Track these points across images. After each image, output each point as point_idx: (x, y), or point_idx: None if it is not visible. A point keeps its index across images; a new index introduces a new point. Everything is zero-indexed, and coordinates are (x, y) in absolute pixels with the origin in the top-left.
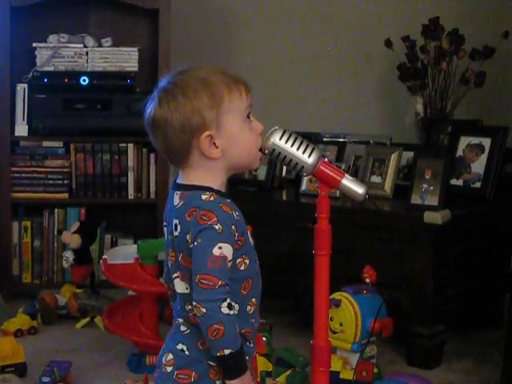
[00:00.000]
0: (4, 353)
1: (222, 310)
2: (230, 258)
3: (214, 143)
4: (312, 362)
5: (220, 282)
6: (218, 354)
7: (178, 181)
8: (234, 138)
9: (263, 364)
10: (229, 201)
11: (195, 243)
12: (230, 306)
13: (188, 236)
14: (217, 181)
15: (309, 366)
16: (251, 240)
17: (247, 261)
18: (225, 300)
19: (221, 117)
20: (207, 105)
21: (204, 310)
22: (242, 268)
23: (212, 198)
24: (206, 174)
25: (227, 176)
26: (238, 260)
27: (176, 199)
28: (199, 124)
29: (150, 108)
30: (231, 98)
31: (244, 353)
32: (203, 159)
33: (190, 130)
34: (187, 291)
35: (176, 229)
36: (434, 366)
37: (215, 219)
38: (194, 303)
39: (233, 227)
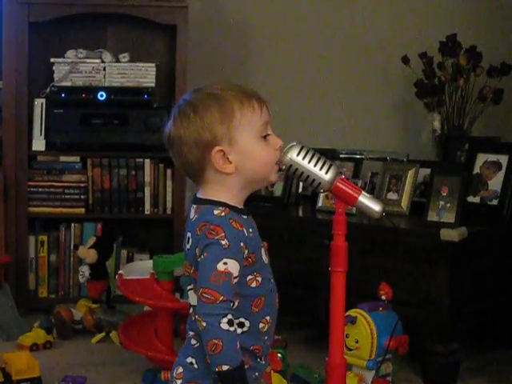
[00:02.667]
0: (19, 367)
1: (222, 325)
2: (235, 274)
3: (228, 158)
4: (327, 379)
5: (221, 298)
6: (217, 370)
7: (198, 195)
8: (248, 153)
9: (278, 381)
10: (245, 217)
11: (202, 257)
12: (230, 322)
13: (197, 250)
14: (233, 196)
15: (324, 382)
16: (266, 257)
17: (259, 278)
18: (225, 316)
19: (232, 132)
20: (217, 120)
21: (204, 324)
22: (254, 285)
23: (223, 214)
24: (221, 189)
25: (247, 192)
26: (249, 277)
27: (192, 212)
28: (210, 139)
29: (167, 126)
30: (243, 113)
31: (245, 370)
32: (218, 175)
33: (203, 145)
34: None
35: (188, 242)
36: None
37: (222, 234)
38: (196, 316)
39: (241, 244)
